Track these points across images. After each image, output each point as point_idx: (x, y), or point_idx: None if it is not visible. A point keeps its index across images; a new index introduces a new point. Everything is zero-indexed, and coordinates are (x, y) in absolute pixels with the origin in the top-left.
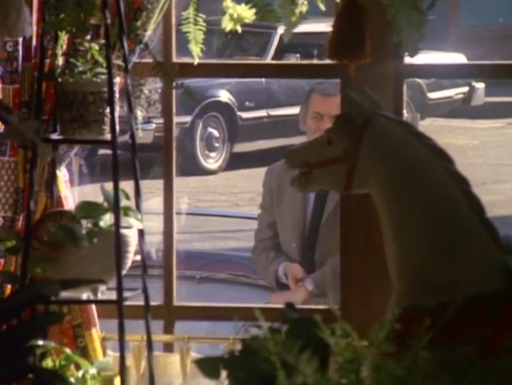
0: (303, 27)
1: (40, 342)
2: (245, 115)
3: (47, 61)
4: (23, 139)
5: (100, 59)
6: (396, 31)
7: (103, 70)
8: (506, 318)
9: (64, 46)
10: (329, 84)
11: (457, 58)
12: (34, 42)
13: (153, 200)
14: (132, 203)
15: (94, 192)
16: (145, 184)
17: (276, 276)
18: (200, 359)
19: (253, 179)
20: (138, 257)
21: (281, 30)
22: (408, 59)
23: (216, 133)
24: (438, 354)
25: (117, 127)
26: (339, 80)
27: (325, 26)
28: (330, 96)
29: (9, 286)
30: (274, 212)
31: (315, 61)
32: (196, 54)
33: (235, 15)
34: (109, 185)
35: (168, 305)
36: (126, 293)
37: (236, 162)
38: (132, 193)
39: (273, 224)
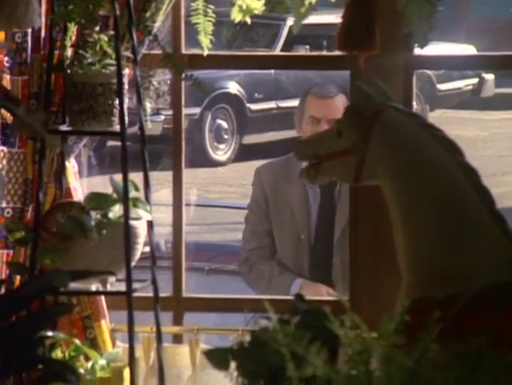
0: (313, 18)
1: (49, 333)
2: (254, 106)
3: (56, 52)
4: (31, 131)
5: (109, 51)
6: (406, 22)
7: (112, 62)
8: None
9: (73, 38)
10: (326, 85)
11: (467, 49)
12: (43, 34)
13: (162, 192)
14: (141, 194)
15: (103, 184)
16: (154, 175)
17: (286, 293)
18: (209, 351)
19: None
20: (147, 249)
21: (290, 21)
22: (417, 50)
23: (225, 125)
24: (448, 346)
25: (126, 118)
26: (349, 72)
27: (334, 18)
28: (327, 98)
29: (18, 277)
30: (272, 220)
31: (325, 52)
32: (205, 45)
33: (244, 6)
34: (118, 177)
35: (177, 297)
36: (135, 285)
37: (245, 154)
38: (141, 185)
39: (269, 232)
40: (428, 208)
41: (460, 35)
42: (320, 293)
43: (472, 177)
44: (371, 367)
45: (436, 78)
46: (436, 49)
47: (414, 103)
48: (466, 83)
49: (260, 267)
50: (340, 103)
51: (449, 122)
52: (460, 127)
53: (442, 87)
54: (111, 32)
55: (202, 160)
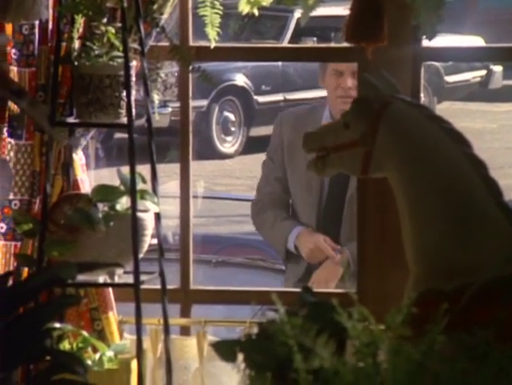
0: (320, 10)
1: (57, 325)
2: (261, 98)
3: (64, 44)
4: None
5: (117, 43)
6: (414, 14)
7: (120, 54)
8: None
9: (80, 30)
10: None
11: (475, 41)
12: (50, 26)
13: (170, 184)
14: (148, 186)
15: (110, 176)
16: (162, 167)
17: (285, 242)
18: (216, 342)
19: None
20: (155, 241)
21: (298, 13)
22: (425, 42)
23: (232, 117)
24: (455, 338)
25: (133, 110)
26: (357, 63)
27: (342, 10)
28: None
29: (26, 269)
30: (286, 167)
31: (333, 44)
32: (212, 37)
33: None
34: (125, 169)
35: (184, 289)
36: (143, 277)
37: (252, 146)
38: (148, 177)
39: (282, 179)
40: (436, 199)
41: (468, 27)
42: (317, 241)
43: (480, 169)
44: (378, 359)
45: (444, 70)
46: (444, 41)
47: (422, 95)
48: (474, 75)
49: (267, 212)
50: None
51: (457, 114)
52: (467, 119)
53: (450, 79)
54: (119, 24)
55: (209, 152)
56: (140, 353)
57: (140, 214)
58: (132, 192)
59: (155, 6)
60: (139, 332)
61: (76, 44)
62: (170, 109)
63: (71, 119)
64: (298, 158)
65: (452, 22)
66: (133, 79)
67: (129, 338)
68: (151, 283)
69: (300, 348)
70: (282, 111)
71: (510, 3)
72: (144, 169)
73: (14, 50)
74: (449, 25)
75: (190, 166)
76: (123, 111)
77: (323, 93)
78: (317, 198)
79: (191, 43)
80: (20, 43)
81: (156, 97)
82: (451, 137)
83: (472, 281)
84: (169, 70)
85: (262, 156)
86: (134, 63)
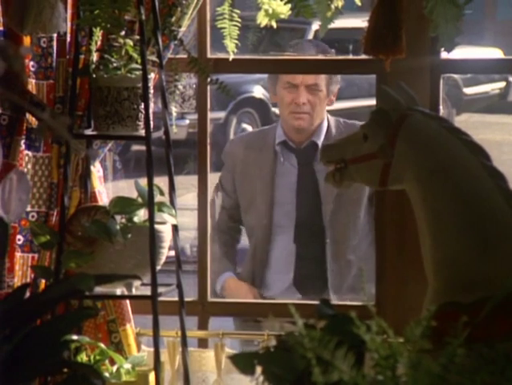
0: (339, 23)
1: (75, 337)
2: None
3: (82, 57)
4: (56, 136)
5: (135, 55)
6: (432, 26)
7: (138, 66)
8: None
9: (99, 42)
10: (303, 46)
11: (494, 52)
12: (68, 38)
13: (187, 196)
14: (166, 198)
15: (128, 188)
16: (179, 179)
17: (215, 284)
18: (235, 355)
19: None
20: (172, 253)
21: (316, 25)
22: (444, 54)
23: (250, 129)
24: (475, 351)
25: (151, 122)
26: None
27: (360, 22)
28: None
29: (43, 281)
30: (238, 195)
31: (351, 56)
32: (231, 49)
33: (270, 11)
34: (143, 181)
35: (202, 301)
36: (160, 289)
37: None
38: (166, 189)
39: (230, 208)
40: (455, 212)
41: (486, 39)
42: (243, 293)
43: (498, 181)
44: (397, 372)
45: (463, 82)
46: (462, 53)
47: (441, 107)
48: (493, 87)
49: (215, 243)
50: None
51: (476, 126)
52: (486, 131)
53: (469, 91)
54: (137, 37)
55: None
56: (157, 365)
57: (157, 226)
58: (149, 204)
59: (173, 19)
60: (156, 344)
61: (94, 57)
62: (188, 121)
63: (88, 132)
64: (251, 183)
65: (470, 34)
66: (151, 91)
67: (147, 351)
68: (168, 295)
69: (319, 361)
70: (230, 141)
71: None
72: (161, 181)
73: (32, 63)
74: (467, 37)
75: (208, 178)
76: (141, 124)
77: (341, 105)
78: (267, 230)
79: (209, 55)
80: (38, 56)
81: (174, 109)
82: (470, 149)
83: (491, 294)
84: (187, 82)
85: None
86: (152, 76)
